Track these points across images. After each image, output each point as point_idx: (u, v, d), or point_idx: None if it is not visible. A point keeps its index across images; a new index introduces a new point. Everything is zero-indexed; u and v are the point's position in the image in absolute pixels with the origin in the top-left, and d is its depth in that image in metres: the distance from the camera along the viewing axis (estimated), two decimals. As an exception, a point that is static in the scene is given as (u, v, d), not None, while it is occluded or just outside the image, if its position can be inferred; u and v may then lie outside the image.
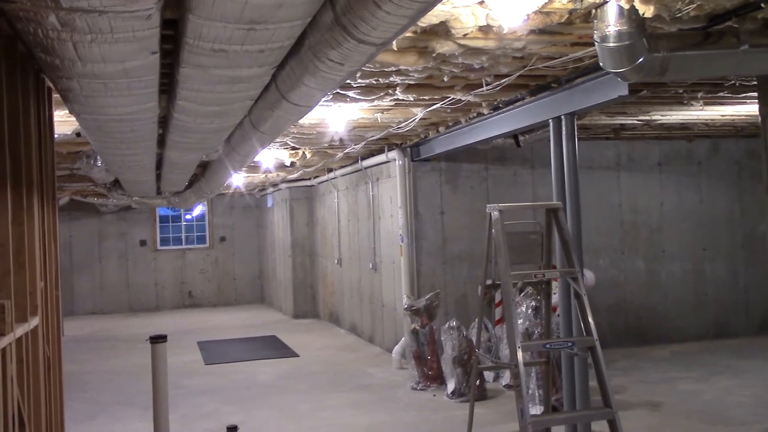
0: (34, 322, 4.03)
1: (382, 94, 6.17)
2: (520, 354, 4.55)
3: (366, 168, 11.57)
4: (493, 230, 4.99)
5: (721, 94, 6.97)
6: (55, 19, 2.71)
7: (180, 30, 3.26)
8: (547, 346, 5.02)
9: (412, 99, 6.48)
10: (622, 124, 9.34)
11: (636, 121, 9.03)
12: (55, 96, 4.86)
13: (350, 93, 6.08)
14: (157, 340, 4.70)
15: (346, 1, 2.91)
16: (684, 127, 9.64)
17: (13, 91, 3.76)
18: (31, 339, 4.01)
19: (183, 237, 19.71)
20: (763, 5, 4.04)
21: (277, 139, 8.67)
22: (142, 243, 19.03)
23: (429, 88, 6.21)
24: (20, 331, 3.67)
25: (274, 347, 12.24)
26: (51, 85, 4.56)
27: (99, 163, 8.84)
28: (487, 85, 6.01)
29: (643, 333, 10.72)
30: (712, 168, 11.26)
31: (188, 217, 19.69)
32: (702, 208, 11.17)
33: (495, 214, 4.96)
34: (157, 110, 4.70)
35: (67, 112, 5.09)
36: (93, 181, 10.84)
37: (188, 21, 2.94)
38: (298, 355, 11.31)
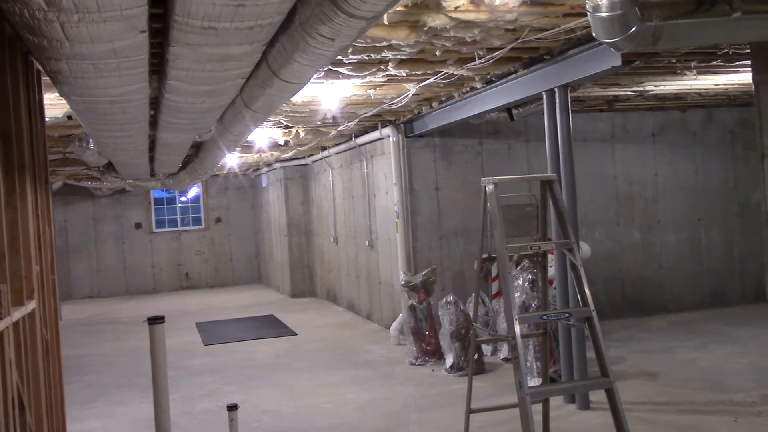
0: (31, 305, 4.02)
1: (374, 70, 6.14)
2: (517, 326, 4.56)
3: (360, 145, 11.55)
4: (488, 203, 4.98)
5: (714, 63, 6.95)
6: (41, -1, 2.67)
7: (168, 8, 3.22)
8: (544, 317, 5.03)
9: (404, 74, 6.45)
10: (615, 96, 9.31)
11: (629, 93, 9.01)
12: (45, 79, 4.82)
13: (342, 69, 6.05)
14: (155, 321, 4.69)
15: (335, -26, 2.88)
16: (677, 97, 9.63)
17: (1, 74, 3.73)
18: (29, 322, 4.01)
19: (178, 219, 19.68)
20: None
21: (270, 118, 8.63)
22: (138, 226, 19.02)
23: (421, 63, 6.18)
24: (17, 314, 3.67)
25: (273, 326, 12.27)
26: (40, 67, 4.52)
27: (91, 146, 8.81)
28: (479, 58, 5.98)
29: (639, 304, 10.77)
30: (706, 138, 11.26)
31: (183, 198, 19.66)
32: (696, 178, 11.18)
33: (490, 187, 4.94)
34: (147, 91, 4.66)
35: (57, 94, 5.05)
36: (86, 164, 10.81)
37: (176, -2, 2.91)
38: (296, 334, 11.34)
